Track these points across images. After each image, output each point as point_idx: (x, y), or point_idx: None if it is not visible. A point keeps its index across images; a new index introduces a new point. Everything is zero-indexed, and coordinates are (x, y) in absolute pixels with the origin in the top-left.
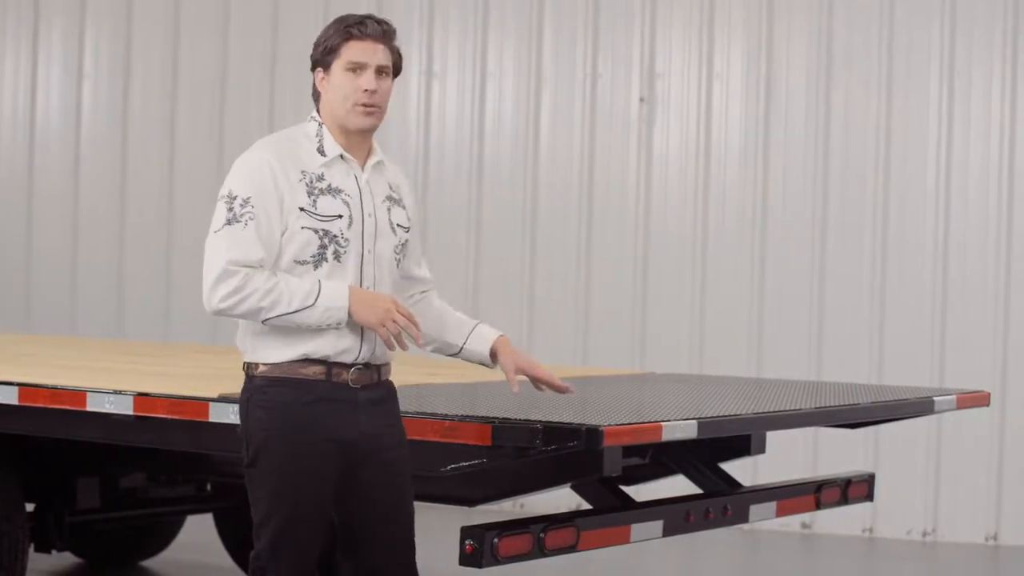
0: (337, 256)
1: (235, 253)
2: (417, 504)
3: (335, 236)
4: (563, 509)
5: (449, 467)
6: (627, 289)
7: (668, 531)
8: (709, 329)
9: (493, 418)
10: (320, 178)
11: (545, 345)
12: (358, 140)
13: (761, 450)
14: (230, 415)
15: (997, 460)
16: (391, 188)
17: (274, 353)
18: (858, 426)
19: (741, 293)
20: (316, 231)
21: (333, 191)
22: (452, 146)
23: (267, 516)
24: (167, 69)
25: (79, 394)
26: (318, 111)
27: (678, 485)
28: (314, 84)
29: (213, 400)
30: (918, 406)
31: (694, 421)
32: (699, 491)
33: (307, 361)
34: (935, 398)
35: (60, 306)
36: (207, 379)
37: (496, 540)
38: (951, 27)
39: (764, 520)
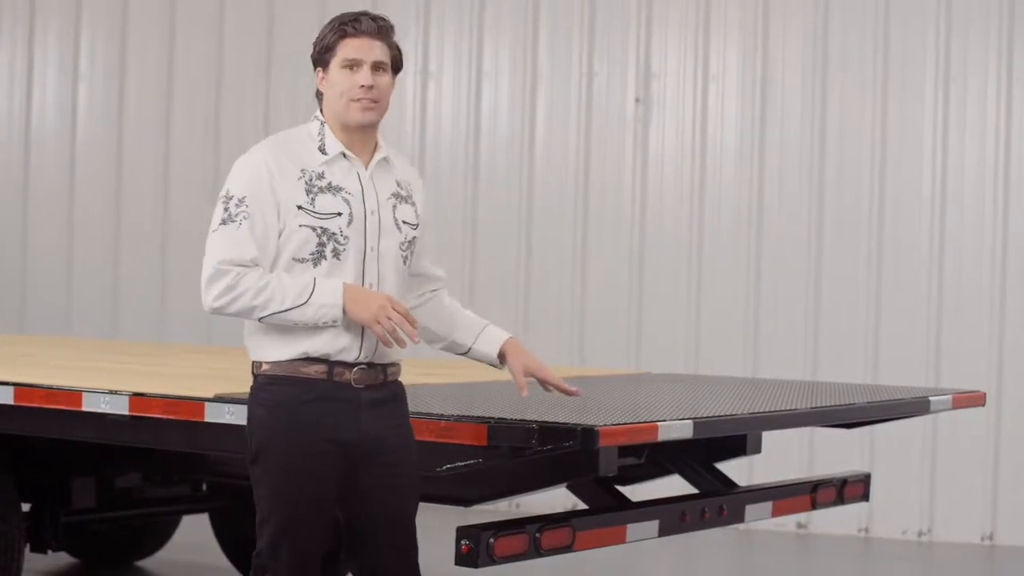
0: (336, 254)
1: (228, 252)
2: None
3: (334, 234)
4: (559, 509)
5: (445, 467)
6: (623, 289)
7: (664, 531)
8: (705, 329)
9: (489, 418)
10: (320, 176)
11: (541, 345)
12: (360, 137)
13: (757, 450)
14: (225, 415)
15: (993, 460)
16: (399, 185)
17: (275, 351)
18: (854, 426)
19: (737, 293)
20: (314, 229)
21: (333, 189)
22: (448, 146)
23: (268, 515)
24: (162, 70)
25: (75, 394)
26: (321, 110)
27: (674, 485)
28: (316, 84)
29: (209, 400)
30: (914, 406)
31: (690, 421)
32: (695, 491)
33: (308, 360)
34: (931, 398)
35: (56, 306)
36: (203, 379)
37: (492, 540)
38: (947, 29)
39: (760, 520)
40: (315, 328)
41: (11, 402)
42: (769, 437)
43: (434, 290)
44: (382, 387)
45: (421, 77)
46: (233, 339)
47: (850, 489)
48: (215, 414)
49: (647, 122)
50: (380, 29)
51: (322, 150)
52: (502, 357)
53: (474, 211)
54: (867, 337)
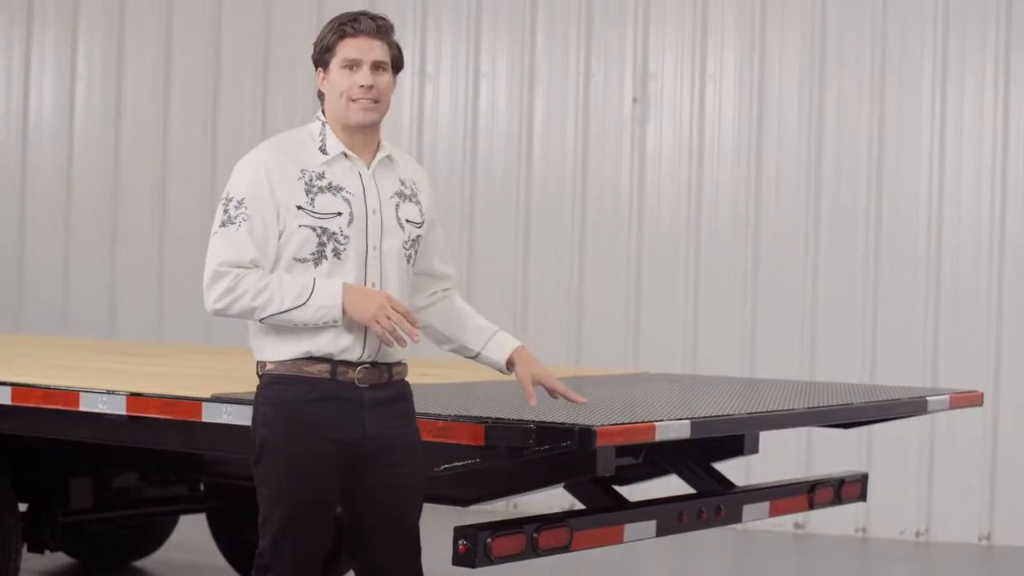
0: (337, 253)
1: (227, 254)
2: None
3: (334, 233)
4: (556, 509)
5: (442, 467)
6: (620, 289)
7: (661, 531)
8: (702, 329)
9: (486, 418)
10: (320, 176)
11: (538, 345)
12: (362, 137)
13: (754, 450)
14: (223, 415)
15: (990, 460)
16: (403, 183)
17: (278, 351)
18: (851, 426)
19: (734, 293)
20: (314, 229)
21: (333, 189)
22: (445, 146)
23: (270, 514)
24: (160, 70)
25: (72, 394)
26: (323, 111)
27: (671, 485)
28: (317, 84)
29: (206, 400)
30: (911, 406)
31: (687, 421)
32: (692, 491)
33: (311, 359)
34: (928, 398)
35: (53, 306)
36: (200, 379)
37: (489, 540)
38: (944, 29)
39: (757, 520)
40: (317, 328)
41: (8, 402)
42: (766, 437)
43: (445, 289)
44: (387, 386)
45: (418, 78)
46: (230, 339)
47: (847, 489)
48: (212, 414)
49: (644, 122)
50: (379, 28)
51: (323, 150)
52: (510, 364)
53: (471, 211)
54: (864, 337)
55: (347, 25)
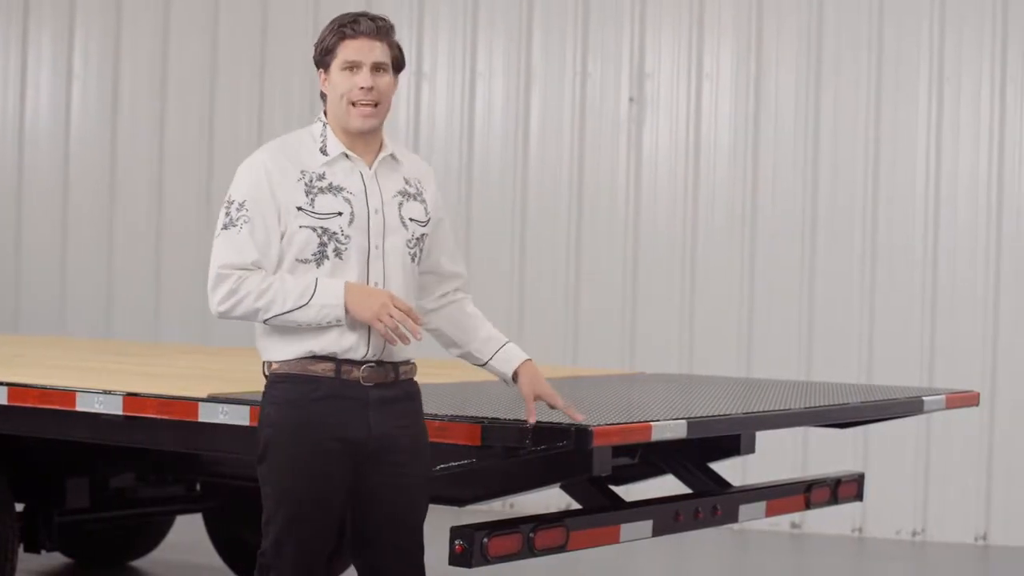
0: (339, 253)
1: (230, 257)
2: None
3: (334, 233)
4: (553, 509)
5: (439, 467)
6: (617, 289)
7: (658, 531)
8: (699, 329)
9: (483, 418)
10: (321, 177)
11: (535, 345)
12: (363, 138)
13: (751, 450)
14: (219, 415)
15: (986, 460)
16: (407, 182)
17: (283, 351)
18: (848, 426)
19: (731, 293)
20: (314, 229)
21: (334, 189)
22: (442, 146)
23: (273, 513)
24: (156, 69)
25: (68, 394)
26: (325, 112)
27: (667, 485)
28: (319, 85)
29: (202, 400)
30: (907, 406)
31: (683, 421)
32: (689, 491)
33: (316, 358)
34: (924, 398)
35: (50, 306)
36: (197, 379)
37: (486, 540)
38: (940, 29)
39: (754, 520)
40: (320, 328)
41: (5, 402)
42: (763, 437)
43: (456, 290)
44: (393, 385)
45: (415, 77)
46: (228, 339)
47: (844, 489)
48: (209, 414)
49: (641, 122)
50: (379, 30)
51: (323, 151)
52: (516, 378)
53: (468, 211)
54: (861, 337)
55: (347, 27)
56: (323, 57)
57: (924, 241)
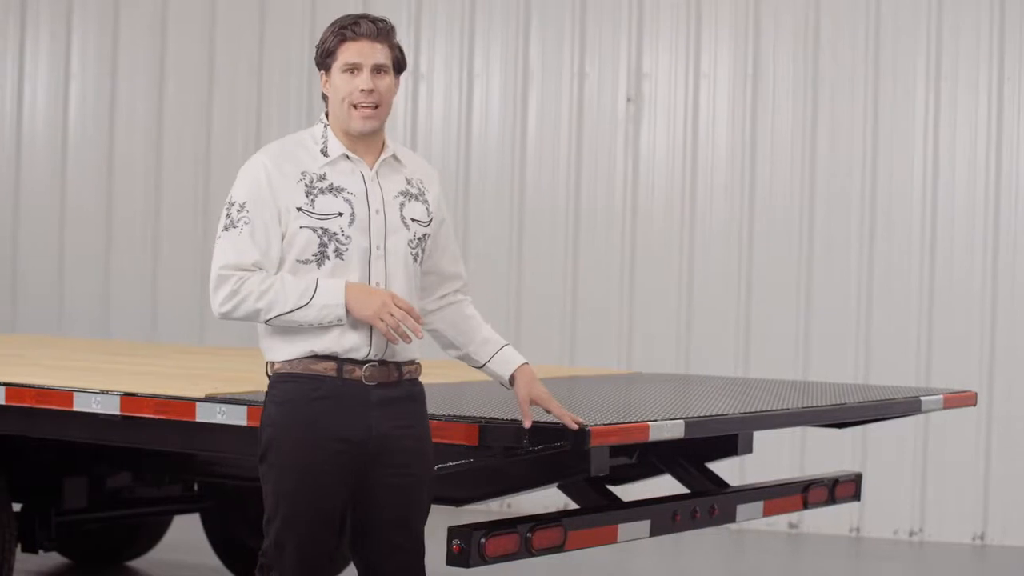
0: (339, 254)
1: (230, 258)
2: None
3: (335, 234)
4: (550, 509)
5: (436, 467)
6: (614, 289)
7: (655, 531)
8: (696, 329)
9: (480, 418)
10: (322, 178)
11: (532, 345)
12: (364, 139)
13: (748, 450)
14: (217, 415)
15: (984, 460)
16: (409, 182)
17: (285, 351)
18: (845, 426)
19: (728, 293)
20: (315, 230)
21: (334, 190)
22: (439, 146)
23: (273, 513)
24: (153, 71)
25: (66, 394)
26: (326, 113)
27: (665, 485)
28: (321, 87)
29: (200, 400)
30: (905, 406)
31: (681, 421)
32: (686, 491)
33: (318, 357)
34: (922, 398)
35: (47, 306)
36: (194, 379)
37: (483, 540)
38: (937, 28)
39: (751, 520)
40: (322, 328)
41: (3, 402)
42: (760, 437)
43: (455, 291)
44: (396, 385)
45: (412, 78)
46: (224, 340)
47: (841, 489)
48: (206, 414)
49: (638, 122)
50: (380, 31)
51: (324, 152)
52: (513, 381)
53: (465, 211)
54: (858, 337)
55: (347, 29)
56: (324, 59)
57: (921, 241)
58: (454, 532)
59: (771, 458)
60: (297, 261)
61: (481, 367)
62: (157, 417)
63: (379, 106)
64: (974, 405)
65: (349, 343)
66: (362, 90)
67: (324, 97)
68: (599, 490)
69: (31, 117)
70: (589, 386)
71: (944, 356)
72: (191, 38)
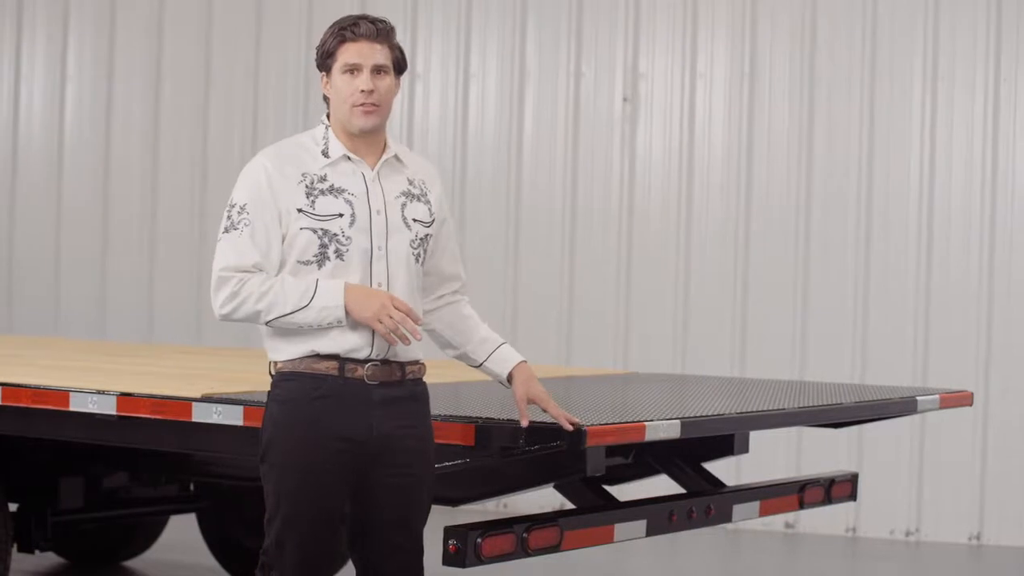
0: (340, 255)
1: (230, 259)
2: None
3: (335, 235)
4: (546, 509)
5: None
6: (611, 289)
7: (651, 531)
8: (693, 329)
9: (476, 418)
10: (322, 179)
11: (529, 345)
12: (366, 139)
13: (744, 450)
14: (213, 415)
15: (980, 460)
16: (411, 183)
17: (287, 350)
18: (841, 426)
19: (724, 293)
20: (315, 231)
21: (335, 191)
22: (435, 147)
23: (274, 512)
24: (150, 73)
25: (62, 394)
26: (328, 115)
27: (661, 485)
28: (322, 88)
29: (196, 400)
30: (901, 406)
31: (677, 421)
32: (682, 491)
33: (319, 356)
34: (918, 398)
35: (43, 307)
36: (190, 379)
37: (479, 540)
38: (934, 27)
39: (747, 520)
40: (323, 328)
41: None
42: (756, 437)
43: (454, 292)
44: (399, 385)
45: (408, 78)
46: (221, 340)
47: (838, 489)
48: (203, 414)
49: (635, 122)
50: (379, 32)
51: (325, 153)
52: (511, 379)
53: (462, 211)
54: (855, 337)
55: (347, 29)
56: (324, 60)
57: (918, 241)
58: (450, 532)
59: (767, 458)
60: (298, 262)
61: (479, 366)
62: (153, 417)
63: (379, 105)
64: (970, 405)
65: (351, 343)
66: (362, 91)
67: (325, 99)
68: (595, 490)
69: (27, 119)
70: (585, 386)
71: (940, 356)
72: (187, 40)
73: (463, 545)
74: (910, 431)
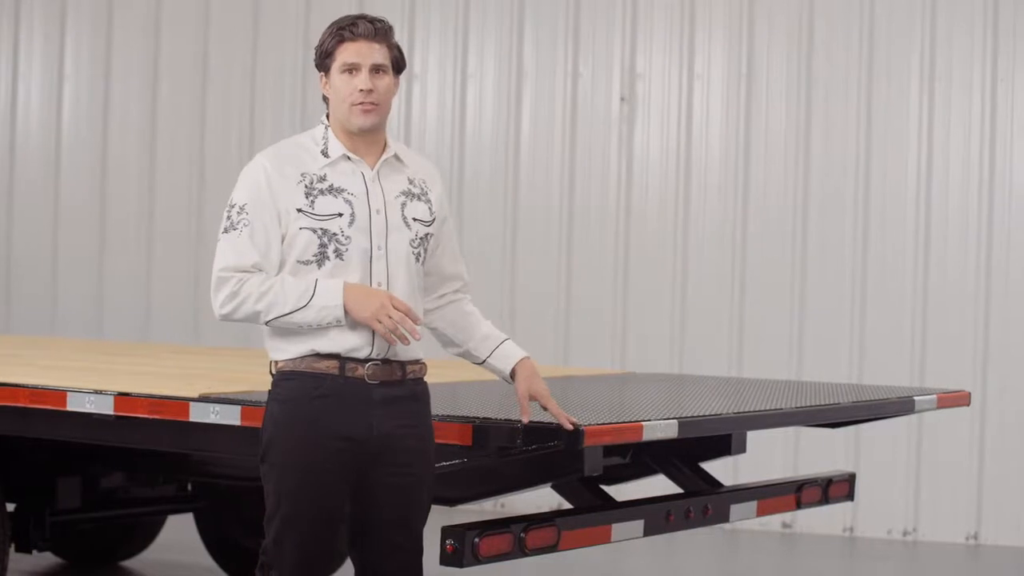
0: (339, 254)
1: (229, 260)
2: None
3: (334, 234)
4: (544, 509)
5: None
6: (608, 289)
7: (649, 531)
8: (690, 329)
9: (474, 417)
10: (322, 179)
11: (526, 345)
12: (365, 139)
13: (742, 450)
14: (211, 415)
15: (977, 460)
16: (411, 182)
17: (288, 350)
18: (839, 426)
19: (722, 293)
20: (314, 230)
21: (334, 191)
22: (433, 147)
23: (273, 510)
24: (147, 71)
25: (59, 394)
26: (327, 115)
27: (659, 485)
28: (321, 89)
29: (194, 400)
30: (899, 406)
31: (675, 421)
32: (680, 491)
33: (320, 356)
34: (915, 398)
35: (40, 306)
36: (188, 379)
37: (477, 540)
38: (932, 28)
39: (745, 520)
40: (322, 328)
41: None
42: (754, 437)
43: (455, 291)
44: (400, 385)
45: (406, 78)
46: (219, 339)
47: (835, 489)
48: (200, 414)
49: (632, 122)
50: (378, 31)
51: (324, 153)
52: (514, 375)
53: (459, 212)
54: (852, 337)
55: (345, 29)
56: (323, 60)
57: (915, 241)
58: (448, 532)
59: (764, 458)
60: (298, 262)
61: (482, 363)
62: (151, 417)
63: (378, 104)
64: (967, 405)
65: (350, 342)
66: (361, 90)
67: (325, 99)
68: (593, 490)
69: (25, 118)
70: (583, 386)
71: (938, 356)
72: (185, 40)
73: (460, 545)
74: (907, 431)
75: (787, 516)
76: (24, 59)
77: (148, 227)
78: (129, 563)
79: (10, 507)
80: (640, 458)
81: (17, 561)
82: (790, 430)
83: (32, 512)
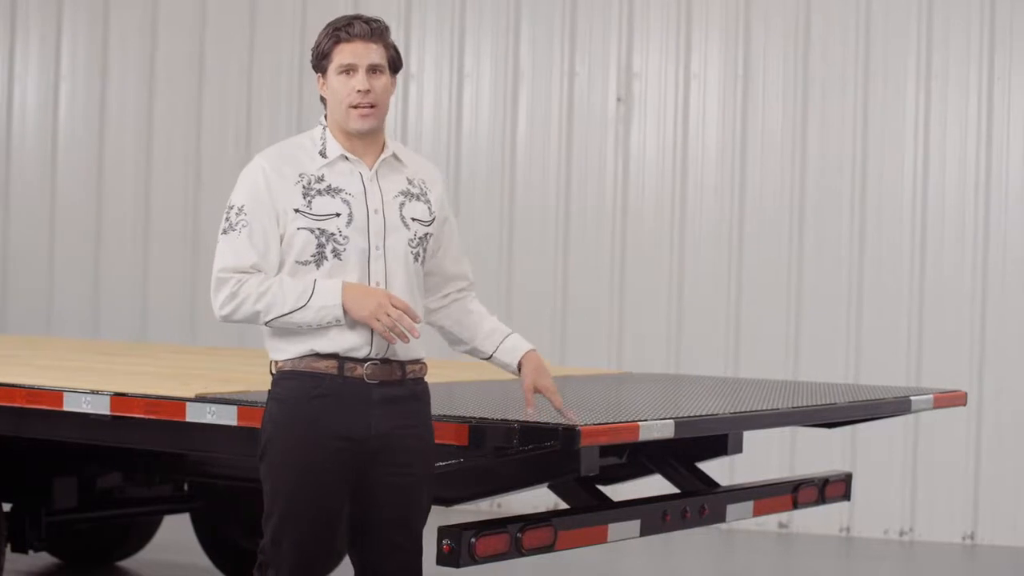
0: (337, 254)
1: (228, 261)
2: None
3: (332, 234)
4: (540, 509)
5: None
6: (604, 289)
7: (645, 531)
8: (687, 329)
9: (470, 418)
10: (320, 179)
11: None
12: (363, 140)
13: (738, 450)
14: (207, 415)
15: (974, 459)
16: (410, 182)
17: (287, 349)
18: (835, 426)
19: (718, 293)
20: (312, 231)
21: (332, 191)
22: (430, 147)
23: (271, 510)
24: (144, 71)
25: (56, 394)
26: (325, 116)
27: (655, 485)
28: (318, 89)
29: (190, 400)
30: (895, 405)
31: (671, 421)
32: (676, 491)
33: (319, 355)
34: (912, 398)
35: (37, 306)
36: (184, 379)
37: (473, 540)
38: (928, 27)
39: (741, 520)
40: (322, 327)
41: None
42: (750, 437)
43: (460, 290)
44: (399, 384)
45: (402, 78)
46: (215, 339)
47: (831, 488)
48: (196, 414)
49: (628, 122)
50: (374, 32)
51: (322, 154)
52: (520, 368)
53: (456, 210)
54: (849, 337)
55: (341, 30)
56: (320, 61)
57: (912, 240)
58: (444, 532)
59: (761, 458)
60: (296, 262)
61: (489, 358)
62: (147, 417)
63: (376, 106)
64: (964, 405)
65: (349, 342)
66: (358, 91)
67: (322, 99)
68: (589, 490)
69: (21, 118)
70: (579, 386)
71: (934, 356)
72: (181, 40)
73: (457, 545)
74: (904, 431)
75: (784, 516)
76: (20, 59)
77: (144, 227)
78: (125, 563)
79: (6, 507)
80: (636, 458)
81: (13, 561)
82: (786, 430)
83: (28, 512)
